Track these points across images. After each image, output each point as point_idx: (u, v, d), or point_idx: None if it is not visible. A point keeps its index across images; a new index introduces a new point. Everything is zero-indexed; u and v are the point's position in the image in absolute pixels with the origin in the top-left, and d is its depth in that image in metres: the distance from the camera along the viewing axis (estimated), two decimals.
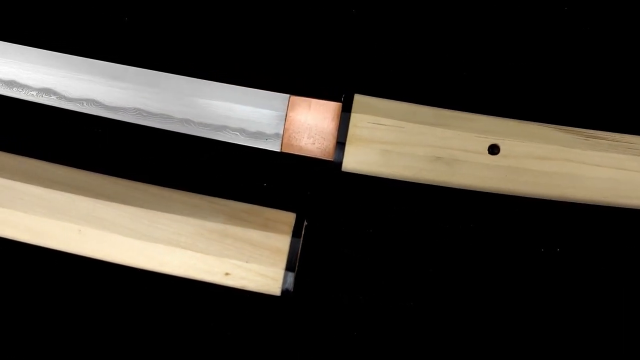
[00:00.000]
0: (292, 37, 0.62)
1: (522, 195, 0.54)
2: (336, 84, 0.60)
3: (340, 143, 0.53)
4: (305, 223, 0.51)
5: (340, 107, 0.55)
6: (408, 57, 0.62)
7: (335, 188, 0.57)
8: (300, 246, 0.50)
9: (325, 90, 0.58)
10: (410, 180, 0.54)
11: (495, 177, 0.53)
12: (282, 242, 0.50)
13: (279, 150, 0.56)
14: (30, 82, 0.57)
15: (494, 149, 0.53)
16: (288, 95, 0.55)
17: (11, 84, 0.57)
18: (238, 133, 0.56)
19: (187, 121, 0.56)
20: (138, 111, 0.56)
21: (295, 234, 0.50)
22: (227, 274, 0.51)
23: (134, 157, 0.58)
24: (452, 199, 0.56)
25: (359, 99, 0.54)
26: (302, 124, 0.55)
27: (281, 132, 0.55)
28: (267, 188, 0.57)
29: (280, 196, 0.57)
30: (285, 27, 0.62)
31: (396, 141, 0.53)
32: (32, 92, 0.57)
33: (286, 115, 0.55)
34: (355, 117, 0.53)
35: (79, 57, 0.56)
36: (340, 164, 0.54)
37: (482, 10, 0.63)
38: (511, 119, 0.54)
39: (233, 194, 0.54)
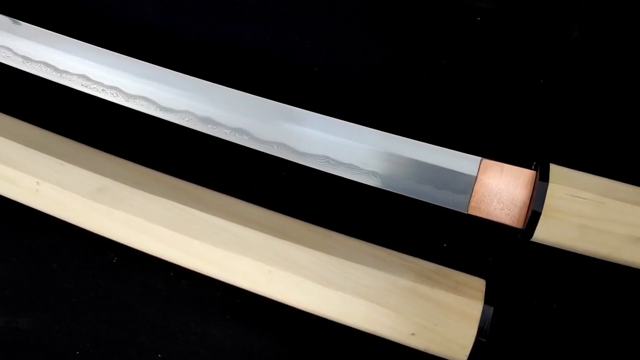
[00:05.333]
0: (483, 103, 0.63)
1: None
2: (512, 150, 0.60)
3: (535, 212, 0.52)
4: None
5: (535, 175, 0.53)
6: (594, 131, 0.61)
7: (520, 257, 0.56)
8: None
9: (499, 155, 0.57)
10: (603, 259, 0.52)
11: None
12: (474, 308, 0.49)
13: (465, 212, 0.55)
14: (224, 121, 0.59)
15: None
16: (480, 157, 0.55)
17: (206, 120, 0.59)
18: (425, 190, 0.56)
19: (375, 174, 0.56)
20: (326, 159, 0.57)
21: (488, 301, 0.49)
22: (412, 334, 0.49)
23: (316, 203, 0.59)
24: None
25: (556, 170, 0.53)
26: (493, 188, 0.54)
27: (469, 194, 0.54)
28: (447, 249, 0.57)
29: (460, 259, 0.55)
30: (478, 93, 0.63)
31: (595, 216, 0.51)
32: (225, 131, 0.59)
33: (476, 178, 0.54)
34: (553, 188, 0.52)
35: (277, 103, 0.58)
36: (531, 233, 0.53)
37: None
38: None
39: (412, 250, 0.53)
